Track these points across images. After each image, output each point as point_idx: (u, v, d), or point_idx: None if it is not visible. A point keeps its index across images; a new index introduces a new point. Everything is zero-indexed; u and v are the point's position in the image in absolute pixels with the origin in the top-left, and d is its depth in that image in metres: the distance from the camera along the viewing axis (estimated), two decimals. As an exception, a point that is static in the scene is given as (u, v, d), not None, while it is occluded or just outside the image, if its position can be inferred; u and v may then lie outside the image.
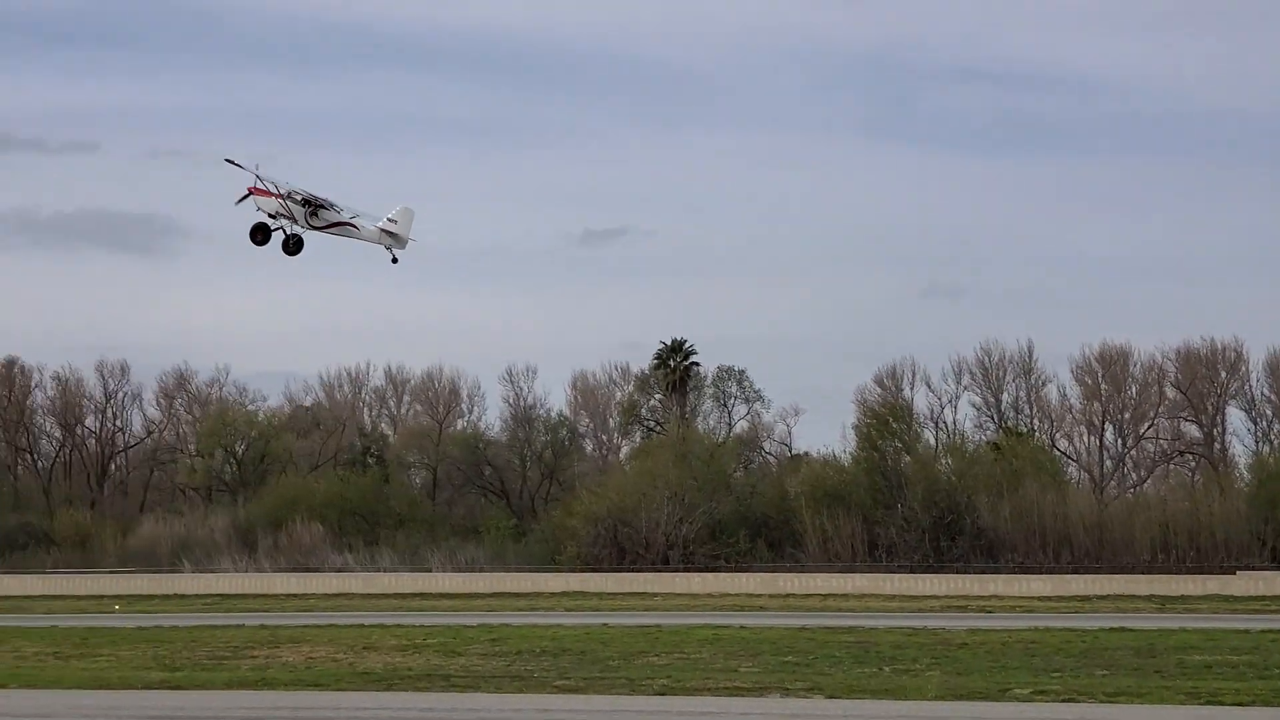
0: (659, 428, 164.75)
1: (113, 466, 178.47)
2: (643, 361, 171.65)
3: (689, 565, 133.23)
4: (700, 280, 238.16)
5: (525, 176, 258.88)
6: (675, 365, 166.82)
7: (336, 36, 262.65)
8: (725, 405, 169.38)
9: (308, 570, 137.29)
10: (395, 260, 61.39)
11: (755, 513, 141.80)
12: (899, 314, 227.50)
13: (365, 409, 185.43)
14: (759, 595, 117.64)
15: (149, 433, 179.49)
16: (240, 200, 61.40)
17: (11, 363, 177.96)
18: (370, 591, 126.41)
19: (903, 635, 76.16)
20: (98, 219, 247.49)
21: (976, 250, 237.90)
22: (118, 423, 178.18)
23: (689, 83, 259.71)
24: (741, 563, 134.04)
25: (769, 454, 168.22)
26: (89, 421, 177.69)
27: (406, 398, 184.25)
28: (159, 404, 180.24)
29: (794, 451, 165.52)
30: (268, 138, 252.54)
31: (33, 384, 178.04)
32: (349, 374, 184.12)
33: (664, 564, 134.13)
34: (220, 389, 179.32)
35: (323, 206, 60.96)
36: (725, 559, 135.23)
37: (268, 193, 60.84)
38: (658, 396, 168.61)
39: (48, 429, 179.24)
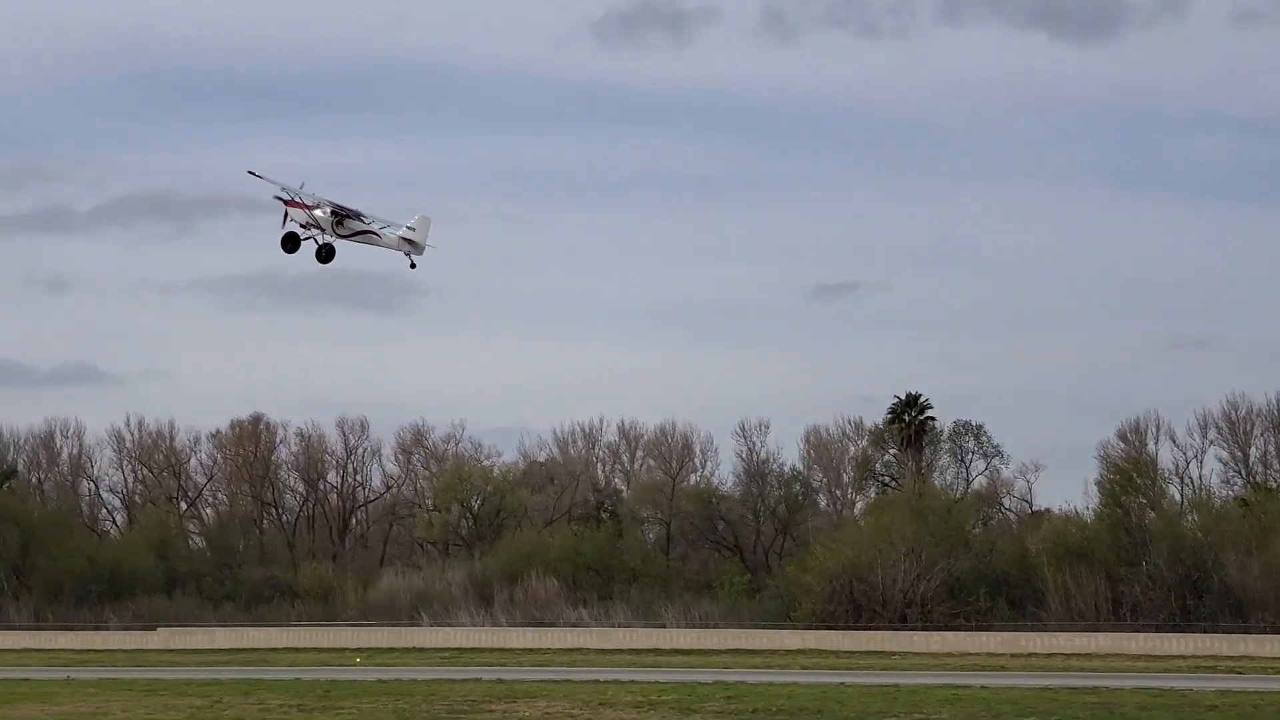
0: (894, 483, 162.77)
1: (353, 521, 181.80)
2: (877, 416, 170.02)
3: (927, 623, 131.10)
4: (935, 333, 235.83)
5: (758, 231, 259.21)
6: (910, 420, 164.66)
7: (572, 95, 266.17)
8: (962, 460, 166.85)
9: (543, 625, 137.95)
10: (414, 265, 63.55)
11: (995, 570, 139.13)
12: (1142, 366, 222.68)
13: (599, 464, 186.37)
14: (999, 655, 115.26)
15: (388, 488, 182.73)
16: (284, 222, 63.63)
17: (258, 419, 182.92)
18: (605, 647, 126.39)
19: (1148, 696, 73.95)
20: (339, 279, 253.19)
21: (1223, 301, 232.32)
22: (358, 478, 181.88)
23: (925, 134, 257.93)
24: (981, 621, 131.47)
25: (1008, 510, 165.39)
26: (330, 477, 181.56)
27: (640, 453, 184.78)
28: (397, 459, 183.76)
29: (1034, 508, 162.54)
30: (507, 196, 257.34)
31: (278, 440, 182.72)
32: (582, 429, 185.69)
33: (901, 622, 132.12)
34: (456, 445, 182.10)
35: (349, 216, 63.13)
36: (964, 617, 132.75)
37: (301, 205, 62.96)
38: (892, 451, 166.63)
39: (292, 484, 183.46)
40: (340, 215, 63.09)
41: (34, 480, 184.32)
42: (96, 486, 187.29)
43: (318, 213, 62.89)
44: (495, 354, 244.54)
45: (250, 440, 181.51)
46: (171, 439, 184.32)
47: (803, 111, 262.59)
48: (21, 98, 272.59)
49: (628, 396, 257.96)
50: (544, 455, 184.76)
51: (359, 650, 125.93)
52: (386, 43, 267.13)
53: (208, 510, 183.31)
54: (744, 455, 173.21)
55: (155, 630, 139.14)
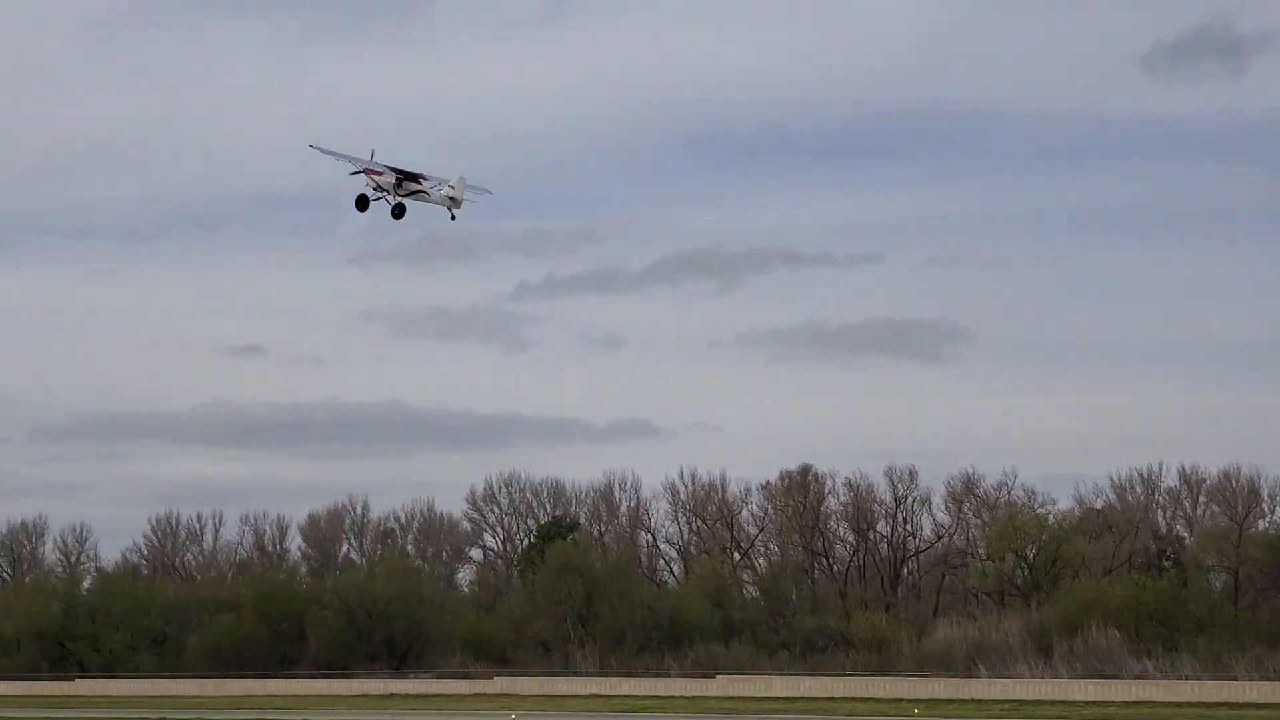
0: None
1: (905, 570, 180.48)
2: None
3: None
4: None
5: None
6: None
7: (1121, 132, 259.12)
8: None
9: (1105, 677, 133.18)
10: (454, 218, 75.11)
11: None
12: None
13: (1159, 510, 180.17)
14: None
15: (939, 537, 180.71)
16: (355, 172, 74.80)
17: (806, 470, 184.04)
18: (1171, 700, 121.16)
19: None
20: (883, 328, 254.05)
21: None
22: (908, 527, 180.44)
23: None
24: None
25: None
26: (880, 526, 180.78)
27: (1202, 498, 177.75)
28: (948, 508, 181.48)
29: None
30: (1053, 239, 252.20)
31: (826, 490, 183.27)
32: (1140, 475, 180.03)
33: None
34: (1008, 492, 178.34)
35: (407, 178, 74.31)
36: None
37: (375, 170, 74.26)
38: None
39: (841, 534, 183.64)
40: (400, 179, 74.18)
41: (595, 533, 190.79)
42: (654, 538, 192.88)
43: (386, 178, 74.27)
44: (1046, 399, 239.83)
45: (799, 491, 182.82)
46: (723, 491, 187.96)
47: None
48: (575, 165, 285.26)
49: (1187, 440, 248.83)
50: (1100, 502, 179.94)
51: (915, 702, 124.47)
52: (926, 90, 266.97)
53: (760, 560, 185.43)
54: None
55: (714, 678, 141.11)
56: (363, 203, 75.42)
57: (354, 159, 74.57)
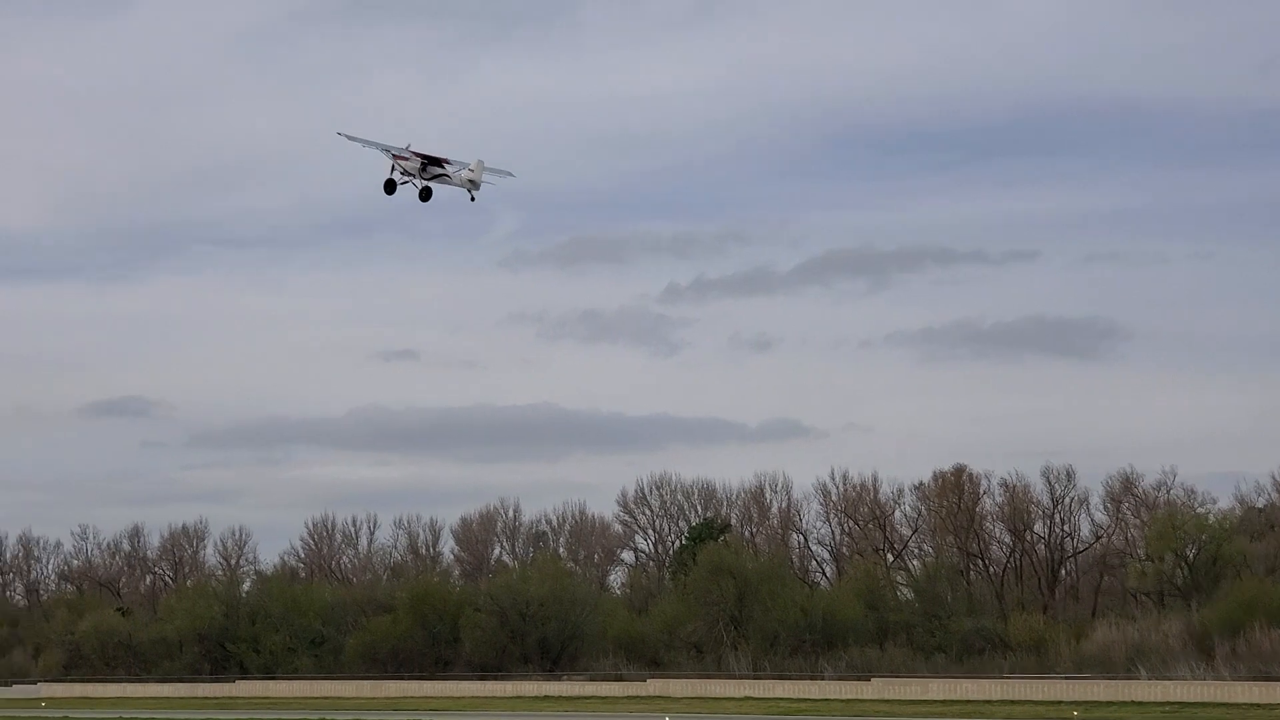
0: None
1: (1062, 571, 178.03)
2: None
3: None
4: None
5: None
6: None
7: (1272, 123, 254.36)
8: None
9: (1270, 679, 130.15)
10: (473, 199, 78.57)
11: None
12: None
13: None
14: None
15: (1097, 537, 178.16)
16: (391, 164, 78.66)
17: (960, 470, 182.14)
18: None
19: None
20: (1038, 326, 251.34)
21: None
22: (1066, 528, 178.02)
23: None
24: None
25: None
26: (1037, 527, 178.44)
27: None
28: (1106, 508, 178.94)
29: None
30: (1209, 234, 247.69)
31: (981, 491, 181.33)
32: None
33: None
34: (1168, 492, 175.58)
35: (431, 163, 78.25)
36: None
37: (403, 157, 78.23)
38: None
39: (997, 535, 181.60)
40: (425, 163, 78.20)
41: (746, 534, 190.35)
42: (805, 539, 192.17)
43: (411, 163, 78.10)
44: (1205, 397, 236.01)
45: (953, 491, 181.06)
46: (875, 491, 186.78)
47: None
48: (723, 166, 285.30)
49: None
50: (1262, 501, 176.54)
51: (1075, 704, 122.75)
52: (1081, 84, 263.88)
53: (914, 561, 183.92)
54: None
55: (869, 680, 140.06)
56: (390, 186, 79.32)
57: (381, 145, 78.36)
